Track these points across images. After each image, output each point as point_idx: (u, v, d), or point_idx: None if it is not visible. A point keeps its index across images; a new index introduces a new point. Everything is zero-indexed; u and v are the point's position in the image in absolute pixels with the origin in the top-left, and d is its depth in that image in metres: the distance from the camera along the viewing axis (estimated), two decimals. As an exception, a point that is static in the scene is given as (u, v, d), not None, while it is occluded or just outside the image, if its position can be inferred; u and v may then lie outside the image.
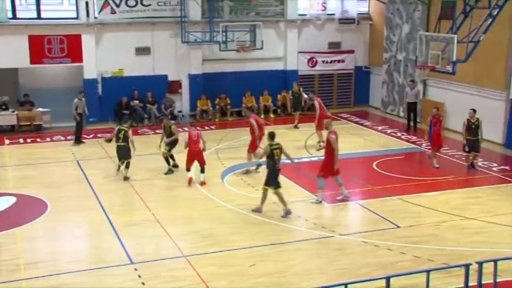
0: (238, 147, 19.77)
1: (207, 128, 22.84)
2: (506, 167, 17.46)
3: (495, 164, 17.71)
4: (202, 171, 15.92)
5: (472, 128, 16.78)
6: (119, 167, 16.58)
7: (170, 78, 24.25)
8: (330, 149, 14.31)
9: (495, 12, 17.51)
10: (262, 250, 11.81)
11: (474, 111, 16.88)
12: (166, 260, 11.41)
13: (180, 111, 24.27)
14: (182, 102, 24.47)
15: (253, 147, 17.02)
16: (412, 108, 22.15)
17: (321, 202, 14.38)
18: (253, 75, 24.74)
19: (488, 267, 9.11)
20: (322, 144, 17.99)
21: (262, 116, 24.40)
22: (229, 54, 24.27)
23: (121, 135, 16.54)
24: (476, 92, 20.55)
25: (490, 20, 17.56)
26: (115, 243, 12.16)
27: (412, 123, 22.21)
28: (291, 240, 12.34)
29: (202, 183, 15.67)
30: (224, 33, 23.55)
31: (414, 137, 21.02)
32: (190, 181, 15.75)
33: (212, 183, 16.00)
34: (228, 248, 11.89)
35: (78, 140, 20.41)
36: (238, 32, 23.82)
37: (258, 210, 13.66)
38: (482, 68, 19.89)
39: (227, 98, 24.21)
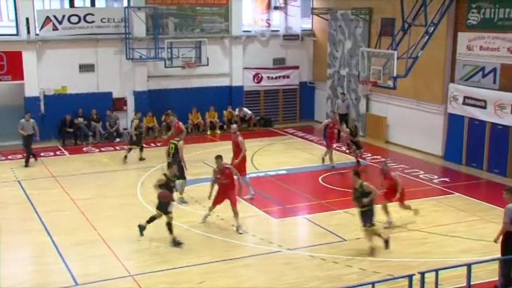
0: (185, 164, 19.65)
1: (153, 145, 22.68)
2: (446, 179, 18.02)
3: (435, 176, 18.24)
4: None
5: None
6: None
7: (115, 96, 23.98)
8: (240, 150, 15.63)
9: (431, 30, 18.17)
10: (211, 267, 11.79)
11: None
12: (112, 280, 11.23)
13: (125, 129, 24.00)
14: (127, 120, 24.22)
15: (243, 169, 16.00)
16: (343, 119, 22.91)
17: (253, 195, 15.59)
18: (199, 91, 24.77)
19: (430, 277, 9.39)
20: None
21: (208, 132, 24.53)
22: (174, 71, 24.21)
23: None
24: (416, 106, 21.18)
25: (427, 36, 18.21)
26: (59, 265, 11.89)
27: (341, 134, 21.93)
28: (239, 256, 12.37)
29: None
30: (169, 50, 23.49)
31: (379, 155, 20.94)
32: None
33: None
34: (176, 265, 11.81)
35: (26, 160, 19.58)
36: (184, 48, 23.81)
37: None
38: (421, 83, 20.54)
39: (173, 114, 24.09)
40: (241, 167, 15.70)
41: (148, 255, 12.39)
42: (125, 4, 23.91)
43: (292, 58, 26.78)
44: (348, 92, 24.50)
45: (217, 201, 13.97)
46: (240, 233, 13.53)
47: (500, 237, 10.53)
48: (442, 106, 20.19)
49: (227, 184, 13.86)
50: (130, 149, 20.29)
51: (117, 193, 16.60)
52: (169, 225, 12.87)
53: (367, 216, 12.28)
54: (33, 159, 19.76)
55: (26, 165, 19.46)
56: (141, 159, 20.36)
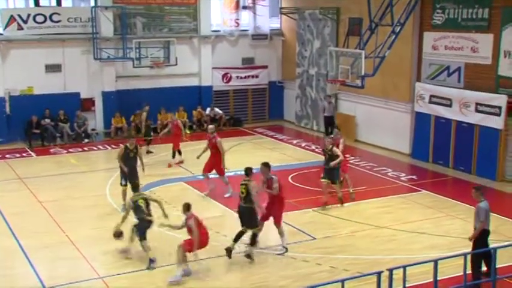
0: (154, 164, 19.58)
1: (122, 145, 22.40)
2: (414, 176, 18.27)
3: (403, 174, 18.49)
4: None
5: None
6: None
7: (83, 96, 23.71)
8: (217, 150, 16.06)
9: (398, 29, 18.41)
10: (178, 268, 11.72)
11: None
12: (81, 283, 11.12)
13: (93, 129, 23.76)
14: (96, 120, 23.98)
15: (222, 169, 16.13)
16: (329, 122, 22.61)
17: (232, 193, 15.35)
18: (168, 91, 24.63)
19: (398, 273, 9.51)
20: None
21: (178, 133, 24.38)
22: (143, 71, 24.05)
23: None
24: (384, 105, 21.43)
25: (394, 36, 18.43)
26: (26, 269, 11.72)
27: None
28: (209, 256, 12.32)
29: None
30: (137, 50, 23.32)
31: (347, 155, 20.74)
32: None
33: (128, 202, 15.70)
34: (144, 266, 11.72)
35: None
36: (152, 48, 23.67)
37: None
38: (389, 82, 20.78)
39: (142, 114, 23.91)
40: (219, 166, 16.08)
41: (117, 256, 12.27)
42: (92, 3, 23.66)
43: (261, 58, 26.83)
44: (317, 91, 24.65)
45: (264, 217, 12.25)
46: (279, 254, 12.26)
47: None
48: (409, 105, 20.46)
49: (273, 197, 12.26)
50: (149, 141, 20.91)
51: (85, 194, 16.42)
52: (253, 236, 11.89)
53: (334, 175, 14.63)
54: None
55: None
56: (149, 152, 20.48)
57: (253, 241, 12.02)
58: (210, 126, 16.95)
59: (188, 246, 11.29)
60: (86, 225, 14.17)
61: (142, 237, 11.89)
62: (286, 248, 12.46)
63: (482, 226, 10.67)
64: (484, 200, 10.83)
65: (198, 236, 11.25)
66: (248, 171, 12.18)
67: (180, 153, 19.70)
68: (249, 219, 11.99)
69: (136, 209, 11.99)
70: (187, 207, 11.48)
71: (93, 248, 12.79)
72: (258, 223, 12.09)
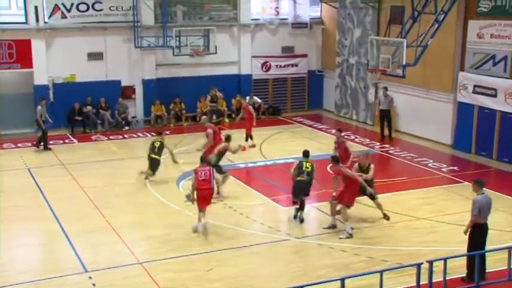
0: (194, 152, 19.70)
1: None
2: (455, 168, 17.95)
3: (444, 165, 18.18)
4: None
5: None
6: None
7: (123, 84, 24.01)
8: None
9: (441, 18, 18.03)
10: (219, 255, 11.83)
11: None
12: (121, 268, 11.30)
13: (134, 117, 24.05)
14: (136, 108, 24.25)
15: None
16: (385, 115, 21.54)
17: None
18: (207, 79, 24.70)
19: (438, 266, 9.38)
20: None
21: (216, 121, 24.48)
22: (183, 59, 24.19)
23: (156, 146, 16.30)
24: (425, 95, 21.08)
25: (437, 25, 18.08)
26: (68, 252, 11.97)
27: (386, 132, 21.49)
28: (247, 244, 12.40)
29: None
30: (177, 38, 23.47)
31: (387, 145, 20.64)
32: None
33: (167, 188, 15.93)
34: (184, 253, 11.86)
35: (45, 147, 20.00)
36: (192, 36, 23.77)
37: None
38: (430, 71, 20.42)
39: (182, 103, 24.13)
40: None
41: (158, 242, 12.44)
42: (134, -8, 23.86)
43: (301, 46, 26.67)
44: (357, 81, 24.40)
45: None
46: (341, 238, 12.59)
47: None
48: (452, 95, 20.07)
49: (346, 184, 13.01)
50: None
51: (126, 181, 16.64)
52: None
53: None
54: (42, 147, 19.92)
55: (44, 149, 19.91)
56: None
57: (303, 206, 13.66)
58: (203, 118, 17.11)
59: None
60: (126, 212, 14.40)
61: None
62: (351, 234, 12.63)
63: (473, 220, 10.33)
64: (483, 194, 10.46)
65: None
66: (307, 153, 13.88)
67: (251, 137, 20.03)
68: (308, 190, 13.58)
69: None
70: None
71: (133, 234, 12.98)
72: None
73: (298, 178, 13.43)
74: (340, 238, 12.58)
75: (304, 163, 13.59)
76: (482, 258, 10.39)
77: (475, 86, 19.06)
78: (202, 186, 12.81)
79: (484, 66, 18.90)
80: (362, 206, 14.44)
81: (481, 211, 10.33)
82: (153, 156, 16.37)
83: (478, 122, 19.21)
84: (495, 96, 18.42)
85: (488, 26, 18.62)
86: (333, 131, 16.48)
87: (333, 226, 13.18)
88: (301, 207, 13.61)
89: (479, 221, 10.38)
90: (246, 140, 20.01)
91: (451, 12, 18.29)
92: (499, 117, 18.41)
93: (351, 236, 12.60)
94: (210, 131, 16.70)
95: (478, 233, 10.41)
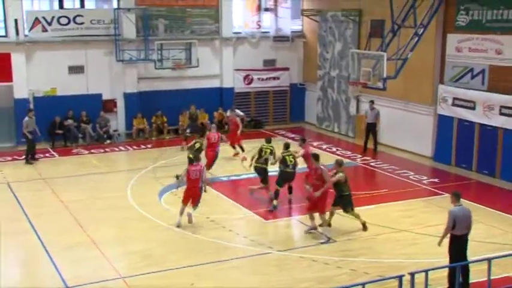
0: (176, 165, 19.68)
1: (143, 146, 22.63)
2: (436, 180, 18.10)
3: (425, 177, 18.32)
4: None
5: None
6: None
7: (105, 97, 23.91)
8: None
9: (420, 31, 18.25)
10: (201, 269, 11.79)
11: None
12: (103, 283, 11.19)
13: (115, 130, 23.94)
14: (118, 121, 24.15)
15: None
16: (371, 128, 21.43)
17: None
18: (189, 93, 24.70)
19: (420, 278, 9.43)
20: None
21: (199, 134, 24.48)
22: (164, 72, 24.18)
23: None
24: (406, 107, 21.27)
25: (417, 38, 18.29)
26: (49, 267, 11.84)
27: (370, 145, 21.50)
28: (230, 257, 12.37)
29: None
30: (159, 51, 23.47)
31: (369, 158, 20.76)
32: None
33: (149, 202, 15.85)
34: (166, 267, 11.80)
35: (32, 158, 19.96)
36: (174, 50, 23.80)
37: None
38: (411, 84, 20.63)
39: (163, 116, 24.07)
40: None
41: (140, 257, 12.36)
42: (115, 5, 23.85)
43: (283, 59, 26.82)
44: (339, 93, 24.57)
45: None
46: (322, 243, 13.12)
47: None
48: (432, 107, 20.28)
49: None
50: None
51: (107, 195, 16.54)
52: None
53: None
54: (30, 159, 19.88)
55: (31, 162, 19.95)
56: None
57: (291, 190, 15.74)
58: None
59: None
60: (108, 226, 14.28)
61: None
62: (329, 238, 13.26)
63: (446, 231, 10.47)
64: (460, 205, 10.58)
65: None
66: (287, 145, 15.70)
67: (239, 147, 20.45)
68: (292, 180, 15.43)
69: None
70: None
71: (115, 249, 12.90)
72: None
73: (286, 170, 15.19)
74: (322, 243, 13.01)
75: (287, 157, 15.28)
76: (466, 270, 10.43)
77: (454, 98, 19.29)
78: (192, 185, 13.81)
79: (463, 79, 19.16)
80: (344, 218, 14.49)
81: (457, 223, 10.40)
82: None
83: (457, 134, 19.42)
84: (474, 108, 18.65)
85: (466, 40, 18.90)
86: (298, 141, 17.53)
87: (313, 228, 13.51)
88: (290, 191, 15.66)
89: (456, 233, 10.44)
90: (242, 150, 20.37)
91: (430, 26, 18.53)
92: (478, 129, 18.63)
93: (329, 239, 13.05)
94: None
95: (455, 246, 10.49)
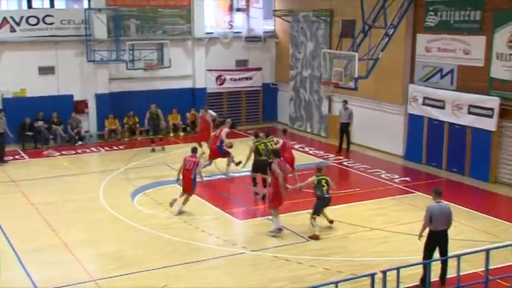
0: (148, 166, 19.60)
1: (115, 147, 22.45)
2: (407, 178, 18.32)
3: (396, 176, 18.53)
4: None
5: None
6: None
7: (76, 98, 23.66)
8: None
9: (391, 32, 18.45)
10: (174, 270, 11.74)
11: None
12: (74, 286, 11.08)
13: (87, 131, 23.71)
14: (89, 122, 23.92)
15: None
16: (344, 128, 21.50)
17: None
18: (161, 93, 24.59)
19: (392, 275, 9.54)
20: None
21: (171, 135, 24.39)
22: (137, 73, 24.04)
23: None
24: (377, 107, 21.49)
25: (387, 38, 18.48)
26: (18, 271, 11.67)
27: (344, 145, 21.59)
28: (203, 258, 12.34)
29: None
30: (131, 52, 23.32)
31: (342, 157, 20.85)
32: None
33: (122, 204, 15.74)
34: (139, 269, 11.72)
35: (1, 160, 19.70)
36: (146, 50, 23.68)
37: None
38: (382, 84, 20.84)
39: (135, 116, 23.90)
40: None
41: (112, 259, 12.26)
42: (85, 6, 23.62)
43: (255, 60, 26.87)
44: (311, 93, 24.70)
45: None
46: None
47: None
48: (403, 107, 20.52)
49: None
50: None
51: (78, 197, 16.37)
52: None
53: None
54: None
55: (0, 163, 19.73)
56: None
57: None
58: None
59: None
60: (80, 228, 14.12)
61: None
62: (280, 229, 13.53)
63: (423, 225, 10.84)
64: (439, 202, 10.88)
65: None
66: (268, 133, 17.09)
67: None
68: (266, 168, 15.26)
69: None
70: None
71: (87, 251, 12.77)
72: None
73: (259, 158, 15.96)
74: (271, 232, 13.49)
75: (259, 146, 16.26)
76: (444, 264, 10.73)
77: (424, 98, 19.56)
78: (185, 175, 14.85)
79: (433, 79, 19.43)
80: (318, 218, 14.57)
81: (433, 219, 10.68)
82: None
83: (428, 133, 19.69)
84: (443, 108, 18.93)
85: (435, 40, 19.18)
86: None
87: (279, 230, 13.50)
88: (264, 185, 15.61)
89: (431, 228, 10.71)
90: (201, 146, 20.28)
91: (400, 26, 18.74)
92: (447, 128, 18.91)
93: (279, 231, 13.45)
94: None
95: (430, 240, 10.78)
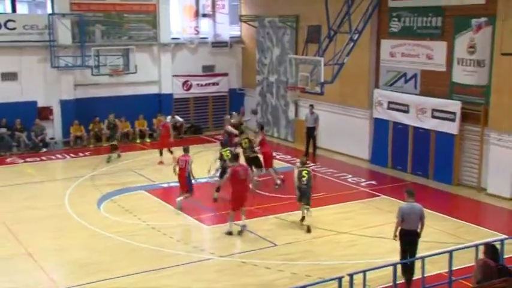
0: (115, 172, 19.43)
1: (81, 154, 22.18)
2: (373, 182, 18.55)
3: (363, 180, 18.75)
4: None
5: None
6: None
7: (40, 104, 23.30)
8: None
9: (355, 37, 18.68)
10: (142, 277, 11.66)
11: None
12: (40, 295, 10.93)
13: (52, 138, 23.37)
14: (54, 129, 23.57)
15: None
16: (311, 133, 21.54)
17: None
18: (127, 99, 24.41)
19: (358, 278, 9.65)
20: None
21: (138, 141, 24.22)
22: (102, 79, 23.80)
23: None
24: (343, 111, 21.71)
25: (352, 43, 18.70)
26: (-17, 281, 11.46)
27: (311, 149, 21.71)
28: (171, 265, 12.28)
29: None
30: (96, 58, 23.09)
31: (308, 162, 20.49)
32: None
33: (88, 210, 15.56)
34: (106, 277, 11.60)
35: None
36: (111, 56, 23.48)
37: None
38: (347, 89, 21.06)
39: (101, 122, 23.67)
40: None
41: (78, 266, 12.12)
42: (49, 11, 23.31)
43: (221, 65, 26.89)
44: (277, 98, 24.81)
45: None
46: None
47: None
48: (368, 111, 20.78)
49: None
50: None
51: (43, 205, 16.13)
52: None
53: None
54: None
55: None
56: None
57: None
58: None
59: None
60: (44, 236, 13.91)
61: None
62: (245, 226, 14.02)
63: (396, 224, 11.18)
64: (411, 202, 11.22)
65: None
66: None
67: (170, 152, 20.28)
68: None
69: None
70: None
71: (52, 260, 12.60)
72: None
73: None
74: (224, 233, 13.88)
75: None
76: (411, 265, 11.06)
77: (389, 102, 19.84)
78: (180, 174, 15.63)
79: (397, 84, 19.74)
80: (284, 222, 14.68)
81: (405, 218, 11.06)
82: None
83: (393, 137, 19.97)
84: (407, 112, 19.23)
85: (399, 46, 19.50)
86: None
87: (229, 233, 13.89)
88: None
89: (404, 227, 11.10)
90: (162, 154, 20.40)
91: (364, 32, 18.98)
92: (412, 132, 19.22)
93: (230, 233, 13.76)
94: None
95: (403, 238, 11.14)
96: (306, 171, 14.45)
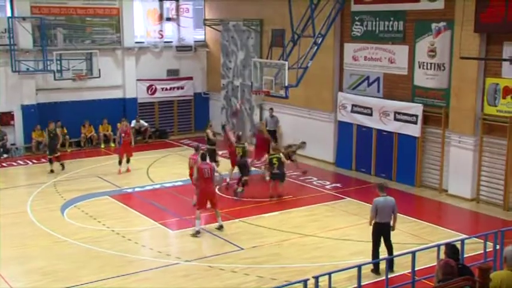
0: (78, 178, 19.19)
1: (44, 160, 21.81)
2: (338, 184, 18.73)
3: (328, 182, 18.91)
4: None
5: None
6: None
7: (1, 110, 22.86)
8: None
9: (319, 41, 18.85)
10: (108, 283, 11.55)
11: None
12: (2, 305, 10.73)
13: (13, 144, 22.94)
14: (15, 135, 23.14)
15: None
16: (271, 135, 21.48)
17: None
18: (91, 104, 24.15)
19: (324, 281, 9.73)
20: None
21: (102, 146, 23.97)
22: (65, 83, 23.45)
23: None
24: (308, 115, 21.87)
25: (316, 47, 18.86)
26: None
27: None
28: (137, 270, 12.19)
29: None
30: (58, 62, 22.76)
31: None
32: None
33: (51, 217, 15.33)
34: (71, 284, 11.46)
35: None
36: (74, 60, 23.17)
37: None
38: (312, 92, 21.23)
39: (64, 128, 23.32)
40: None
41: (41, 274, 11.92)
42: (9, 14, 22.90)
43: (186, 69, 26.81)
44: (242, 103, 24.84)
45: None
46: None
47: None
48: (332, 114, 20.98)
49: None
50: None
51: (4, 212, 15.80)
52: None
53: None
54: None
55: None
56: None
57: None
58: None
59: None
60: (6, 244, 13.62)
61: None
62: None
63: (370, 217, 11.80)
64: (383, 196, 11.79)
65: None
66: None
67: (128, 160, 20.04)
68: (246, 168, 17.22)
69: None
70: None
71: (14, 268, 12.36)
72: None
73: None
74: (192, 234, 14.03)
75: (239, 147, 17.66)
76: (390, 253, 11.74)
77: (353, 105, 20.08)
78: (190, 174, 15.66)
79: (360, 87, 19.99)
80: (249, 226, 14.72)
81: (379, 211, 11.63)
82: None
83: (357, 140, 20.20)
84: (371, 115, 19.49)
85: (361, 49, 19.76)
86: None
87: (197, 233, 14.04)
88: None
89: (377, 220, 11.65)
90: (120, 163, 19.88)
91: (328, 36, 19.16)
92: (375, 135, 19.48)
93: (197, 233, 13.95)
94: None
95: (376, 231, 11.74)
96: (276, 158, 15.13)
